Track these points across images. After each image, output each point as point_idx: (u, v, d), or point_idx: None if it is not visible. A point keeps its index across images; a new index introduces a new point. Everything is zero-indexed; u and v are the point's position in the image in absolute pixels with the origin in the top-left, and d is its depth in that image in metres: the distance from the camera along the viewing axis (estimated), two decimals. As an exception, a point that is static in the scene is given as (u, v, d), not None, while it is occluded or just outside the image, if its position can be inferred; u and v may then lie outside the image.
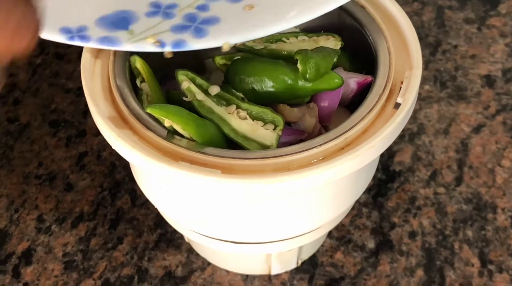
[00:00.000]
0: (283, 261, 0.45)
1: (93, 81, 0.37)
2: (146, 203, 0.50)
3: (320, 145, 0.33)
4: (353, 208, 0.49)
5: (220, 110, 0.36)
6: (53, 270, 0.47)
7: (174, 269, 0.47)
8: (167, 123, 0.34)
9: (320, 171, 0.32)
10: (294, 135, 0.37)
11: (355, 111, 0.35)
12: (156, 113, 0.34)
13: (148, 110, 0.34)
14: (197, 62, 0.43)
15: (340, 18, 0.41)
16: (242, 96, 0.37)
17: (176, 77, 0.36)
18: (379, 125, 0.34)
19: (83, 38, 0.35)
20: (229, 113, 0.36)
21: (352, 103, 0.39)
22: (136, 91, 0.37)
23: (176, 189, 0.36)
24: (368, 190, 0.51)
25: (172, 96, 0.38)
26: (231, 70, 0.38)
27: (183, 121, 0.34)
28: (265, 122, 0.36)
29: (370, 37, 0.39)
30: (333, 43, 0.40)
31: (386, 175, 0.52)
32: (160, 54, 0.40)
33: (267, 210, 0.36)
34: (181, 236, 0.48)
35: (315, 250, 0.47)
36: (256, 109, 0.36)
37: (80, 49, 0.38)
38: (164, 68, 0.40)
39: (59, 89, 0.59)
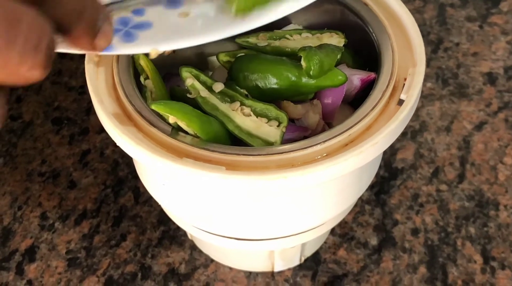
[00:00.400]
0: (286, 258, 0.45)
1: (97, 78, 0.37)
2: (149, 200, 0.50)
3: (324, 141, 0.33)
4: (356, 205, 0.50)
5: (224, 107, 0.36)
6: (57, 267, 0.47)
7: (177, 266, 0.47)
8: (171, 119, 0.34)
9: (324, 167, 0.32)
10: (298, 132, 0.37)
11: (359, 108, 0.35)
12: (160, 110, 0.34)
13: (153, 107, 0.34)
14: (200, 59, 0.43)
15: (344, 16, 0.41)
16: (246, 93, 0.37)
17: (180, 74, 0.36)
18: (383, 122, 0.34)
19: None
20: (233, 110, 0.36)
21: (355, 100, 0.39)
22: (140, 88, 0.37)
23: (180, 185, 0.36)
24: (371, 187, 0.51)
25: (176, 93, 0.38)
26: (235, 67, 0.38)
27: (188, 117, 0.34)
28: (269, 118, 0.36)
29: (374, 34, 0.39)
30: (336, 40, 0.40)
31: (389, 172, 0.52)
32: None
33: (271, 207, 0.36)
34: (184, 233, 0.48)
35: (318, 247, 0.47)
36: (260, 106, 0.36)
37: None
38: (168, 65, 0.40)
39: (62, 87, 0.59)
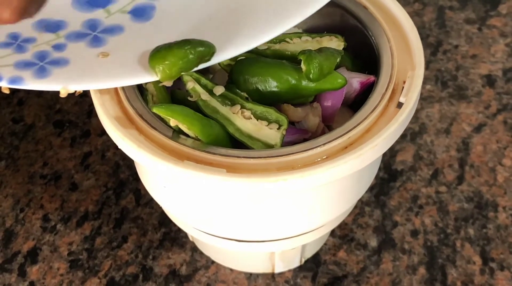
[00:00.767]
0: (286, 259, 0.45)
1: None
2: (151, 202, 0.51)
3: (324, 144, 0.33)
4: (355, 207, 0.50)
5: (224, 110, 0.36)
6: (59, 268, 0.47)
7: (178, 267, 0.47)
8: (172, 122, 0.34)
9: (323, 170, 0.32)
10: (297, 135, 0.37)
11: (358, 110, 0.35)
12: (161, 113, 0.34)
13: (154, 110, 0.34)
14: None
15: (343, 19, 0.41)
16: (247, 96, 0.37)
17: (181, 77, 0.37)
18: (382, 125, 0.35)
19: None
20: (233, 113, 0.36)
21: (355, 103, 0.39)
22: (142, 91, 0.37)
23: (181, 188, 0.37)
24: (371, 189, 0.51)
25: (177, 96, 0.38)
26: (235, 71, 0.38)
27: (189, 120, 0.34)
28: (269, 121, 0.36)
29: (373, 38, 0.39)
30: (336, 43, 0.41)
31: (388, 174, 0.52)
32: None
33: (271, 209, 0.36)
34: (185, 235, 0.49)
35: (318, 248, 0.48)
36: (260, 109, 0.36)
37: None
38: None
39: (63, 89, 0.59)
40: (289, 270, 0.47)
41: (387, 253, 0.47)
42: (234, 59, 0.40)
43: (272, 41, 0.41)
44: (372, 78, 0.38)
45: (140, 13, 0.37)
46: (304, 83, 0.37)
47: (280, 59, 0.39)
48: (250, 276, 0.47)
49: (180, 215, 0.41)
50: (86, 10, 0.37)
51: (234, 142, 0.36)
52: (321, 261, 0.47)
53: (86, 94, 0.58)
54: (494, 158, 0.53)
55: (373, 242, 0.48)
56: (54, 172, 0.53)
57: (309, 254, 0.47)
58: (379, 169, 0.52)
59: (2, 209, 0.51)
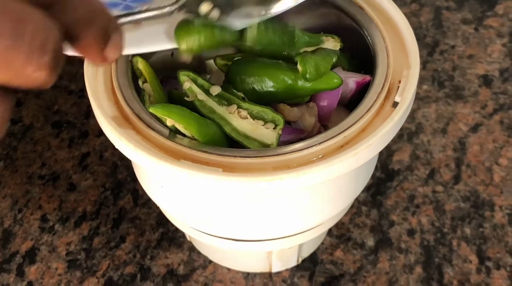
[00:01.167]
0: (283, 258, 0.46)
1: (96, 82, 0.38)
2: (148, 203, 0.51)
3: (320, 143, 0.33)
4: (352, 206, 0.50)
5: (221, 109, 0.36)
6: (57, 268, 0.48)
7: (176, 267, 0.47)
8: (169, 122, 0.34)
9: (319, 169, 0.32)
10: (294, 134, 0.37)
11: (354, 110, 0.35)
12: (158, 113, 0.34)
13: (151, 110, 0.34)
14: (198, 62, 0.43)
15: (339, 19, 0.41)
16: (243, 95, 0.37)
17: (178, 77, 0.37)
18: (378, 124, 0.35)
19: None
20: (230, 113, 0.36)
21: (351, 103, 0.40)
22: (139, 92, 0.38)
23: (178, 187, 0.37)
24: (367, 188, 0.51)
25: (174, 96, 0.38)
26: (232, 71, 0.38)
27: (185, 120, 0.34)
28: (266, 121, 0.36)
29: (369, 38, 0.39)
30: (332, 44, 0.41)
31: (385, 174, 0.52)
32: (162, 54, 0.41)
33: (268, 208, 0.37)
34: (183, 235, 0.49)
35: (315, 248, 0.48)
36: (256, 109, 0.36)
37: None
38: (166, 68, 0.41)
39: (62, 90, 0.59)
40: (286, 270, 0.47)
41: (384, 253, 0.48)
42: (231, 59, 0.40)
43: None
44: (367, 77, 0.39)
45: None
46: (300, 83, 0.37)
47: (277, 59, 0.39)
48: (247, 276, 0.47)
49: (177, 214, 0.41)
50: None
51: (231, 141, 0.36)
52: (318, 261, 0.47)
53: (83, 96, 0.59)
54: (491, 157, 0.53)
55: (370, 242, 0.48)
56: (52, 173, 0.53)
57: (306, 253, 0.47)
58: (376, 168, 0.52)
59: (0, 210, 0.51)
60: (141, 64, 0.38)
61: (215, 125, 0.36)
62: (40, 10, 0.22)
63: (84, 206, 0.51)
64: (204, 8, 0.36)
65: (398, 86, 0.36)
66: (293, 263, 0.47)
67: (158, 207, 0.50)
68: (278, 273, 0.47)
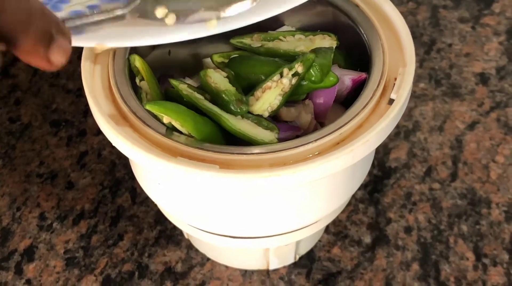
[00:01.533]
0: (281, 256, 0.46)
1: (94, 81, 0.38)
2: (146, 201, 0.51)
3: (316, 140, 0.34)
4: (349, 204, 0.50)
5: (218, 110, 0.36)
6: (55, 266, 0.48)
7: (174, 265, 0.48)
8: (166, 119, 0.35)
9: (316, 165, 0.32)
10: (290, 132, 0.37)
11: (350, 107, 0.35)
12: (155, 110, 0.34)
13: (147, 107, 0.35)
14: (195, 60, 0.43)
15: (336, 17, 0.42)
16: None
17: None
18: (374, 121, 0.35)
19: None
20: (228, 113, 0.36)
21: (347, 100, 0.40)
22: (136, 90, 0.38)
23: (175, 184, 0.37)
24: (364, 186, 0.51)
25: (171, 94, 0.39)
26: (229, 68, 0.39)
27: (182, 117, 0.34)
28: (263, 127, 0.36)
29: (365, 35, 0.39)
30: (328, 42, 0.41)
31: (382, 172, 0.52)
32: (159, 53, 0.41)
33: (265, 205, 0.37)
34: (181, 233, 0.49)
35: (313, 245, 0.48)
36: (252, 117, 0.37)
37: (80, 50, 0.38)
38: (163, 67, 0.41)
39: (60, 89, 0.60)
40: (284, 267, 0.47)
41: (381, 250, 0.48)
42: (228, 56, 0.40)
43: (266, 39, 0.41)
44: (363, 75, 0.39)
45: None
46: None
47: (273, 57, 0.39)
48: (245, 273, 0.47)
49: (175, 212, 0.41)
50: None
51: (227, 139, 0.36)
52: (315, 258, 0.48)
53: (81, 95, 0.59)
54: (487, 155, 0.53)
55: (367, 239, 0.48)
56: (51, 171, 0.53)
57: (303, 250, 0.48)
58: (373, 166, 0.53)
59: (-2, 208, 0.51)
60: (138, 62, 0.38)
61: (212, 122, 0.36)
62: None
63: (82, 204, 0.51)
64: (159, 13, 0.36)
65: (394, 83, 0.37)
66: (290, 260, 0.47)
67: (156, 205, 0.50)
68: (275, 270, 0.47)
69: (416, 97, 0.58)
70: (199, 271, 0.47)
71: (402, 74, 0.37)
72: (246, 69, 0.38)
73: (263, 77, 0.38)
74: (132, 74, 0.39)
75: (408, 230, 0.49)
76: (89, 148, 0.55)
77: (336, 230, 0.49)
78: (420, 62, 0.60)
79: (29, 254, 0.48)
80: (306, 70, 0.37)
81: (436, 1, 0.67)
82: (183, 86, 0.37)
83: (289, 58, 0.39)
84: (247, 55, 0.40)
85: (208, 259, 0.48)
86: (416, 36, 0.62)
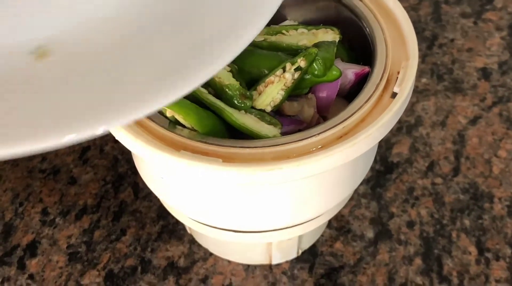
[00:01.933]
0: (283, 250, 0.46)
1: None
2: (149, 196, 0.51)
3: (319, 133, 0.34)
4: (352, 198, 0.50)
5: (222, 104, 0.36)
6: (58, 261, 0.48)
7: (176, 259, 0.48)
8: (169, 113, 0.35)
9: (318, 159, 0.32)
10: (293, 125, 0.37)
11: (353, 101, 0.35)
12: (158, 104, 0.34)
13: (151, 101, 0.34)
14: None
15: (338, 11, 0.42)
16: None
17: None
18: (377, 114, 0.35)
19: None
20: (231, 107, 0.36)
21: (350, 94, 0.40)
22: (139, 84, 0.38)
23: (178, 178, 0.37)
24: (367, 181, 0.51)
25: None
26: (232, 62, 0.38)
27: (185, 111, 0.34)
28: (265, 122, 0.36)
29: (367, 29, 0.39)
30: (331, 36, 0.41)
31: (385, 167, 0.52)
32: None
33: (268, 199, 0.37)
34: (183, 228, 0.49)
35: (315, 240, 0.48)
36: (255, 111, 0.37)
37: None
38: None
39: (62, 85, 0.60)
40: (286, 262, 0.47)
41: (384, 244, 0.48)
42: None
43: (268, 33, 0.41)
44: (366, 69, 0.39)
45: None
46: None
47: (276, 51, 0.39)
48: (247, 268, 0.47)
49: (177, 206, 0.41)
50: None
51: (230, 133, 0.36)
52: (318, 253, 0.48)
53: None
54: (490, 150, 0.53)
55: (370, 234, 0.49)
56: (53, 167, 0.53)
57: (306, 245, 0.48)
58: (375, 161, 0.53)
59: (1, 203, 0.51)
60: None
61: (215, 116, 0.36)
62: None
63: (85, 199, 0.51)
64: None
65: (397, 77, 0.37)
66: (293, 255, 0.47)
67: (158, 200, 0.50)
68: (278, 265, 0.47)
69: (418, 92, 0.58)
70: (202, 265, 0.47)
71: (405, 67, 0.37)
72: (249, 63, 0.38)
73: (266, 71, 0.38)
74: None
75: (410, 224, 0.49)
76: (91, 143, 0.55)
77: (339, 225, 0.49)
78: (422, 57, 0.60)
79: (31, 249, 0.48)
80: (309, 65, 0.37)
81: (438, -4, 0.67)
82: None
83: (292, 52, 0.39)
84: (250, 49, 0.40)
85: (211, 254, 0.48)
86: (418, 31, 0.62)
